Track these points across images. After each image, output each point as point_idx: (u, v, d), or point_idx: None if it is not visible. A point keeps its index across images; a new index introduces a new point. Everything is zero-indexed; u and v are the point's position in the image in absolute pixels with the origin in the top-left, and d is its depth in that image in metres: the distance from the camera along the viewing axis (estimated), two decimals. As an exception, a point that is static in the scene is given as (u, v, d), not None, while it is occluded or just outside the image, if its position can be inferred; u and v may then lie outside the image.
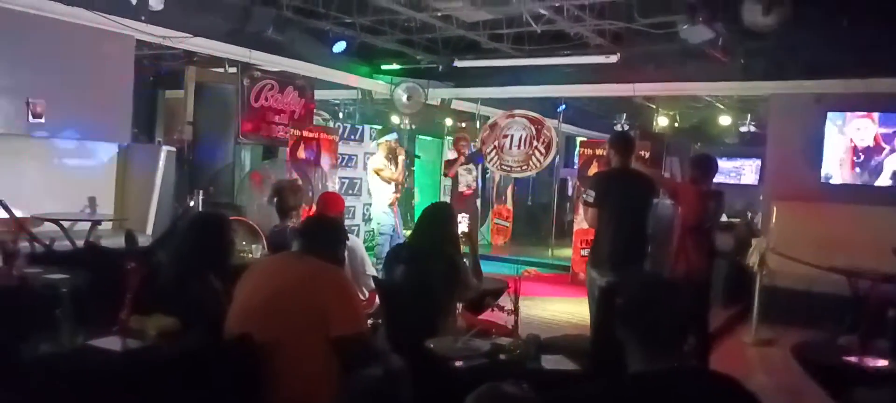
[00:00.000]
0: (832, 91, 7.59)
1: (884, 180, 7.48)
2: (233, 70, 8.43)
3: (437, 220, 3.93)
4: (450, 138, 11.22)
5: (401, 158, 8.10)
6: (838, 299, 6.12)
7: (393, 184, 8.00)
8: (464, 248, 4.01)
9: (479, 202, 9.07)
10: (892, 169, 7.48)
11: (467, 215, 8.35)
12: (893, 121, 7.47)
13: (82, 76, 6.66)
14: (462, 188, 8.71)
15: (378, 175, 8.03)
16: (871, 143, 7.55)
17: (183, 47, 7.86)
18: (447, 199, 10.45)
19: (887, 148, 7.50)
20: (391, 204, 8.05)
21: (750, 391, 1.87)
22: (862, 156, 7.61)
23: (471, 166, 8.80)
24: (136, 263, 3.01)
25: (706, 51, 7.51)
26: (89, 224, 6.02)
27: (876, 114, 7.54)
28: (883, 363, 3.27)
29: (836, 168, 7.75)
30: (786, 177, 8.07)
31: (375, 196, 8.17)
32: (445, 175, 9.18)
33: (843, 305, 5.89)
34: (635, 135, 10.86)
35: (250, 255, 4.86)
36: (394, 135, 8.51)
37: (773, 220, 7.88)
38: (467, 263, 3.95)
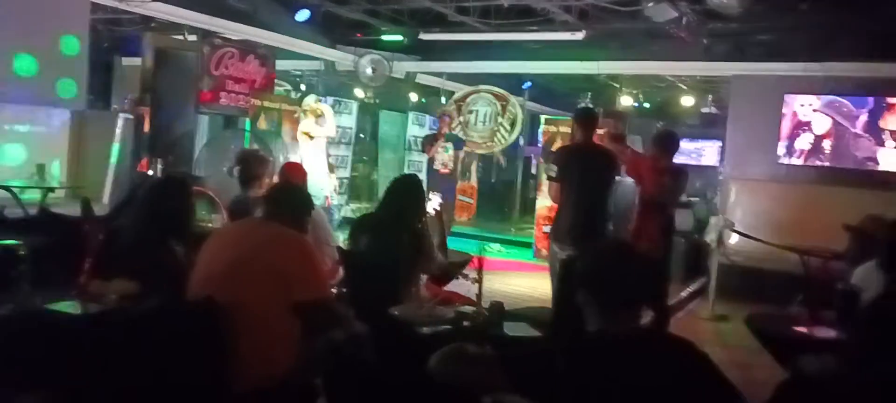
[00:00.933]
0: (791, 74, 7.77)
1: (837, 161, 7.70)
2: (193, 37, 8.24)
3: (404, 192, 3.94)
4: (414, 113, 11.16)
5: (327, 111, 7.88)
6: (791, 276, 6.32)
7: (324, 142, 7.82)
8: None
9: (457, 183, 8.72)
10: (846, 151, 7.70)
11: (439, 194, 8.21)
12: (846, 104, 7.68)
13: (35, 40, 6.44)
14: (437, 166, 8.42)
15: (308, 136, 7.86)
16: (824, 126, 7.76)
17: (141, 12, 7.65)
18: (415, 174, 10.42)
19: (840, 129, 7.72)
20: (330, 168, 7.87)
21: (703, 352, 1.92)
22: (813, 138, 7.82)
23: (449, 145, 8.54)
24: (94, 227, 2.96)
25: (670, 31, 7.61)
26: (40, 191, 5.87)
27: (825, 97, 7.74)
28: (830, 332, 3.40)
29: (791, 149, 7.95)
30: (744, 157, 8.28)
31: (310, 166, 7.93)
32: (424, 151, 8.87)
33: (795, 282, 6.08)
34: (600, 113, 10.95)
35: (210, 224, 4.79)
36: (313, 97, 8.35)
37: (732, 199, 8.09)
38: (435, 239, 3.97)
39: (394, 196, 3.93)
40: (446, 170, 8.38)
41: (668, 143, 5.18)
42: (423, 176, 10.42)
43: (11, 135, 6.41)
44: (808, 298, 4.02)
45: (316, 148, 7.73)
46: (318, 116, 7.72)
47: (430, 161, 8.50)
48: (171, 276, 2.85)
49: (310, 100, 8.06)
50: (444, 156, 8.35)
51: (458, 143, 8.74)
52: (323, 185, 7.61)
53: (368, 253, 3.74)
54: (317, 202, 7.40)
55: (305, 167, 7.75)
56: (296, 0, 8.35)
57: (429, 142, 8.62)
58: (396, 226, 3.72)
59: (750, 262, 7.14)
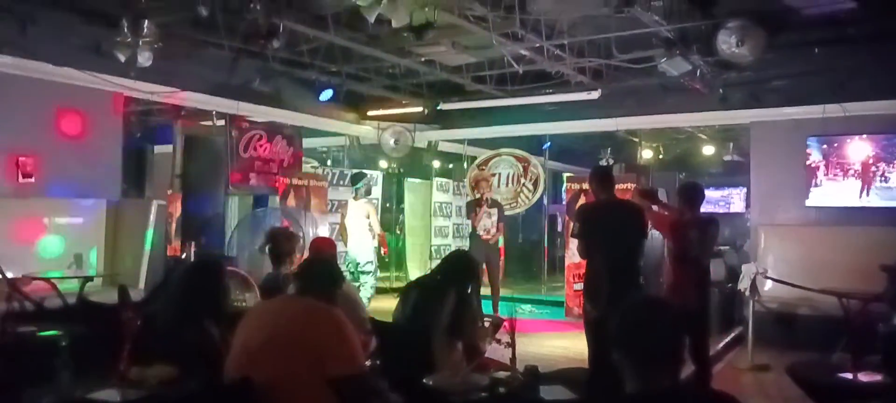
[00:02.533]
0: (811, 117, 7.75)
1: (865, 201, 7.59)
2: (220, 122, 8.51)
3: (458, 263, 4.11)
4: (439, 179, 11.27)
5: (372, 210, 8.50)
6: (829, 320, 6.18)
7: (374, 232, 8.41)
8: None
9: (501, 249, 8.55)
10: (874, 188, 7.60)
11: (487, 262, 8.05)
12: (869, 143, 7.61)
13: (72, 134, 6.72)
14: (480, 231, 8.22)
15: (369, 220, 8.21)
16: (853, 166, 7.68)
17: (171, 101, 7.94)
18: (438, 242, 10.47)
19: (867, 169, 7.63)
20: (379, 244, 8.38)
21: (746, 406, 1.90)
22: (844, 178, 7.73)
23: (492, 211, 8.32)
24: (132, 314, 3.03)
25: (685, 83, 7.69)
26: (79, 281, 6.00)
27: (849, 138, 7.68)
28: (876, 377, 3.32)
29: (819, 191, 7.85)
30: (771, 202, 8.20)
31: (354, 233, 8.36)
32: (468, 219, 8.59)
33: (834, 326, 5.94)
34: (621, 168, 10.97)
35: (244, 304, 4.86)
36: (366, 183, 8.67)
37: (762, 246, 7.98)
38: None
39: (447, 264, 4.12)
40: (488, 236, 8.29)
41: (692, 195, 5.04)
42: (452, 241, 10.54)
43: (51, 228, 6.60)
44: (850, 343, 3.94)
45: (362, 218, 8.27)
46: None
47: (473, 228, 8.42)
48: (208, 358, 2.89)
49: (364, 182, 8.59)
50: (487, 222, 8.28)
51: (501, 211, 8.59)
52: (366, 252, 8.29)
53: (408, 318, 3.80)
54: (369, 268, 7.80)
55: (353, 234, 8.25)
56: (319, 80, 8.61)
57: (472, 210, 8.42)
58: (444, 289, 3.80)
59: (786, 308, 7.01)
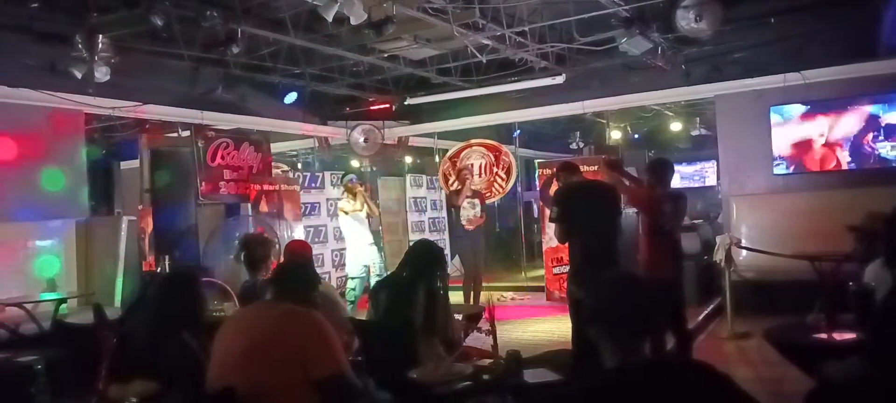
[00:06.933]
0: (772, 86, 7.87)
1: (830, 164, 7.74)
2: (186, 133, 8.40)
3: (421, 254, 4.06)
4: (411, 175, 11.25)
5: (360, 191, 8.05)
6: (805, 284, 6.28)
7: (364, 218, 7.99)
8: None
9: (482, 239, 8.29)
10: (837, 154, 7.75)
11: (473, 252, 7.98)
12: (830, 108, 7.76)
13: (34, 156, 6.59)
14: (462, 222, 8.13)
15: (342, 212, 8.04)
16: (813, 132, 7.82)
17: (133, 116, 7.82)
18: (415, 237, 10.44)
19: (829, 133, 7.78)
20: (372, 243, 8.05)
21: (722, 373, 1.92)
22: (804, 145, 7.88)
23: (475, 201, 8.30)
24: (108, 331, 2.99)
25: (648, 61, 7.76)
26: (52, 303, 5.89)
27: (809, 104, 7.81)
28: (849, 335, 3.39)
29: (784, 159, 8.00)
30: (740, 173, 8.32)
31: (350, 238, 8.09)
32: (452, 206, 8.45)
33: (810, 289, 6.05)
34: (591, 150, 11.09)
35: (223, 313, 4.80)
36: (351, 177, 8.46)
37: (734, 217, 8.11)
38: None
39: (411, 257, 4.07)
40: (471, 226, 8.17)
41: (662, 171, 5.12)
42: (429, 235, 10.52)
43: (20, 253, 6.46)
44: (824, 303, 4.02)
45: (355, 221, 7.89)
46: (354, 194, 7.94)
47: (457, 217, 8.26)
48: (188, 370, 2.86)
49: (346, 179, 8.23)
50: (471, 212, 8.24)
51: (483, 200, 8.48)
52: (363, 257, 7.85)
53: (384, 314, 3.78)
54: (360, 272, 7.59)
55: (348, 240, 7.99)
56: (282, 84, 8.53)
57: (455, 197, 8.32)
58: (413, 285, 3.78)
59: (761, 276, 7.12)
